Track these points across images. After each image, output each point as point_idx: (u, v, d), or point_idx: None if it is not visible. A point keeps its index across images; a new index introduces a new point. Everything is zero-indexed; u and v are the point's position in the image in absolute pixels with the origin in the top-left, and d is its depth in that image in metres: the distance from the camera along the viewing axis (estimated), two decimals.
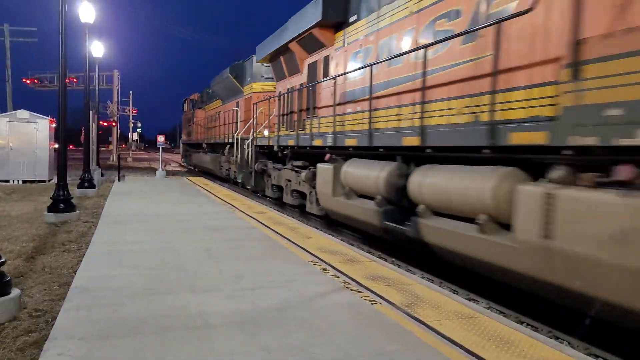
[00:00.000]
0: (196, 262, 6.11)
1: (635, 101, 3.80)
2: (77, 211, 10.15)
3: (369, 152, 8.41)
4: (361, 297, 4.78)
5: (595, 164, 4.32)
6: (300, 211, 12.49)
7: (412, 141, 6.87)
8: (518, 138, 5.03)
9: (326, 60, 10.54)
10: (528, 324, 5.25)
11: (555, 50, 4.69)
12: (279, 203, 13.92)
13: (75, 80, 38.10)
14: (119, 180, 19.13)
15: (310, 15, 10.17)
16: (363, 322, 4.10)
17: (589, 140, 4.19)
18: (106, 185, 17.39)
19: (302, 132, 11.57)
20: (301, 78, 12.12)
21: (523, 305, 5.66)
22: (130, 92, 57.60)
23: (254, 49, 15.78)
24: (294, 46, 11.72)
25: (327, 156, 10.01)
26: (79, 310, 4.24)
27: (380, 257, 7.87)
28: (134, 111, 59.57)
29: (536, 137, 4.77)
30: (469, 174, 5.73)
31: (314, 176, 10.72)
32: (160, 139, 25.42)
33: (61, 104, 9.85)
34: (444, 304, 4.62)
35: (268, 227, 8.78)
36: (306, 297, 4.74)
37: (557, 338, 4.90)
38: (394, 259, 8.05)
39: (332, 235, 9.01)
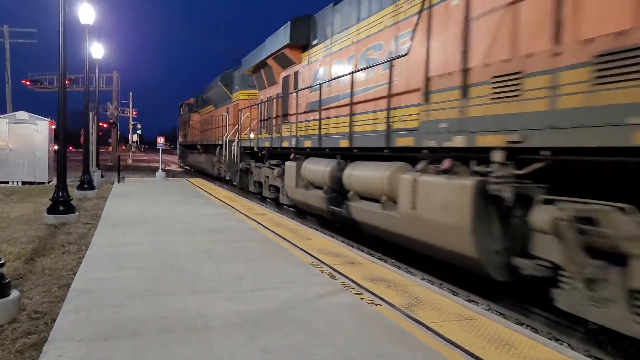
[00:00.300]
0: (196, 263, 6.11)
1: (452, 119, 5.95)
2: (77, 213, 10.14)
3: (320, 152, 10.46)
4: (361, 299, 4.78)
5: (437, 159, 6.39)
6: (275, 203, 14.34)
7: (345, 143, 8.97)
8: (400, 142, 7.22)
9: (296, 74, 12.40)
10: (528, 326, 5.24)
11: (418, 83, 6.75)
12: (260, 197, 15.86)
13: (75, 81, 38.10)
14: (118, 181, 19.13)
15: (282, 38, 12.20)
16: (363, 324, 4.10)
17: (431, 143, 6.34)
18: (106, 187, 17.39)
19: (276, 135, 13.52)
20: (277, 89, 13.97)
21: (523, 307, 5.66)
22: (130, 93, 57.66)
23: (249, 52, 16.73)
24: (270, 62, 13.71)
25: (292, 155, 12.05)
26: (79, 312, 4.24)
27: (381, 259, 7.87)
28: (134, 112, 59.61)
29: (409, 141, 6.93)
30: (377, 167, 7.76)
31: (284, 172, 12.49)
32: (160, 140, 25.39)
33: (61, 106, 9.85)
34: (444, 306, 4.62)
35: (268, 229, 8.78)
36: (306, 299, 4.74)
37: (557, 340, 4.90)
38: (394, 261, 8.05)
39: (332, 237, 9.02)
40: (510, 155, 5.16)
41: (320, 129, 10.22)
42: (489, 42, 5.41)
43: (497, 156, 5.25)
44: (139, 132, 77.97)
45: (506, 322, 4.34)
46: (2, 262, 4.29)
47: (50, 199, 10.00)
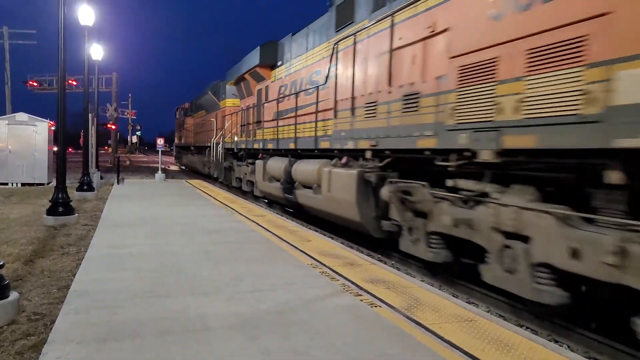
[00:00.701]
0: (196, 264, 6.10)
1: (346, 130, 8.65)
2: (76, 214, 10.13)
3: (279, 152, 13.12)
4: (361, 300, 4.77)
5: (341, 156, 9.03)
6: (251, 195, 16.66)
7: (292, 145, 11.74)
8: (322, 144, 9.93)
9: (266, 88, 14.87)
10: (528, 327, 5.25)
11: (331, 104, 9.49)
12: (241, 191, 17.91)
13: (75, 83, 38.09)
14: (118, 183, 19.12)
15: (254, 58, 14.87)
16: (363, 325, 4.10)
17: (337, 146, 9.08)
18: (105, 188, 17.38)
19: (250, 138, 16.29)
20: (253, 99, 16.38)
21: (522, 308, 5.66)
22: (130, 94, 57.66)
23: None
24: (247, 76, 16.20)
25: (260, 155, 14.74)
26: (78, 313, 4.24)
27: (380, 260, 7.87)
28: (133, 114, 59.59)
29: (327, 144, 9.67)
30: (310, 163, 10.28)
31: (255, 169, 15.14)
32: (160, 141, 25.38)
33: (60, 107, 9.84)
34: (444, 307, 4.61)
35: (267, 230, 8.77)
36: (306, 300, 4.74)
37: (556, 341, 4.90)
38: (393, 262, 8.05)
39: (332, 239, 9.02)
40: (374, 153, 7.92)
41: (278, 134, 13.13)
42: (362, 81, 8.29)
43: (368, 154, 8.06)
44: (138, 133, 77.89)
45: (506, 323, 4.34)
46: (1, 263, 4.28)
47: (49, 201, 9.99)
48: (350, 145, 8.52)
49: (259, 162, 14.27)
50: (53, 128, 18.19)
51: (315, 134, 10.22)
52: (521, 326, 5.16)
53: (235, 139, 18.40)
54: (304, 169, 10.48)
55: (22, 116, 18.36)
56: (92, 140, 19.66)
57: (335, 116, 9.16)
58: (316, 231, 9.81)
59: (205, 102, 25.94)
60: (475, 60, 5.43)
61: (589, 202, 4.52)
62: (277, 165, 12.52)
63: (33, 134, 18.14)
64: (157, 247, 7.09)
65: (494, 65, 5.15)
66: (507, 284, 5.22)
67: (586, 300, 4.87)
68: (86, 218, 10.34)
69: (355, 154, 8.51)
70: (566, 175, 4.78)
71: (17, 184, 17.89)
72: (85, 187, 14.83)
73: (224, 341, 3.69)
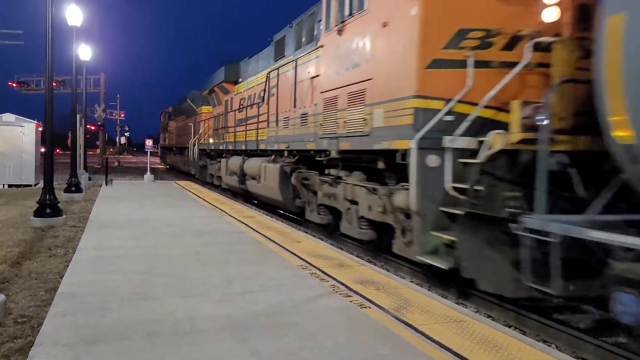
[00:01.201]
0: (185, 266, 6.07)
1: (273, 135, 12.22)
2: (64, 216, 10.05)
3: (236, 152, 16.34)
4: (351, 301, 4.78)
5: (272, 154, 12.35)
6: (219, 187, 19.33)
7: (244, 147, 15.06)
8: (262, 146, 13.15)
9: (231, 100, 17.79)
10: (516, 328, 5.28)
11: (266, 117, 12.63)
12: (215, 186, 20.30)
13: (62, 83, 37.74)
14: (106, 184, 18.97)
15: (220, 75, 18.21)
16: (353, 326, 4.10)
17: (269, 147, 12.38)
18: (93, 190, 17.25)
19: (219, 141, 19.46)
20: (222, 108, 19.34)
21: (511, 309, 5.69)
22: (118, 95, 57.27)
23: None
24: (217, 89, 19.36)
25: (224, 154, 18.09)
26: (66, 316, 4.20)
27: (370, 261, 7.87)
28: (122, 115, 59.19)
29: (263, 146, 12.96)
30: (255, 160, 13.26)
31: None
32: (149, 142, 25.29)
33: (48, 108, 9.76)
34: (433, 308, 4.63)
35: (257, 232, 8.76)
36: (296, 302, 4.74)
37: (544, 341, 4.93)
38: (383, 263, 8.07)
39: (322, 240, 9.02)
40: (289, 152, 11.05)
41: (236, 138, 16.34)
42: (283, 102, 11.48)
43: (285, 153, 11.24)
44: (127, 134, 77.39)
45: (495, 324, 4.37)
46: None
47: (37, 202, 9.90)
48: (276, 147, 11.87)
49: (223, 160, 17.84)
50: (41, 129, 18.03)
51: (257, 138, 13.61)
52: (510, 326, 5.19)
53: (211, 140, 21.48)
54: (251, 164, 13.75)
55: (9, 117, 18.17)
56: (80, 141, 19.50)
57: (268, 126, 12.59)
58: (305, 232, 9.81)
59: (185, 108, 29.48)
60: (329, 96, 8.67)
61: (384, 178, 7.46)
62: (234, 162, 15.77)
63: (20, 135, 17.96)
64: (146, 249, 7.05)
65: (336, 100, 8.39)
66: (349, 231, 8.43)
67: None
68: (74, 220, 10.26)
69: (281, 153, 11.62)
70: (372, 164, 7.66)
71: (3, 185, 17.70)
72: (73, 189, 14.73)
73: (214, 343, 3.68)
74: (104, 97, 46.46)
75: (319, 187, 9.59)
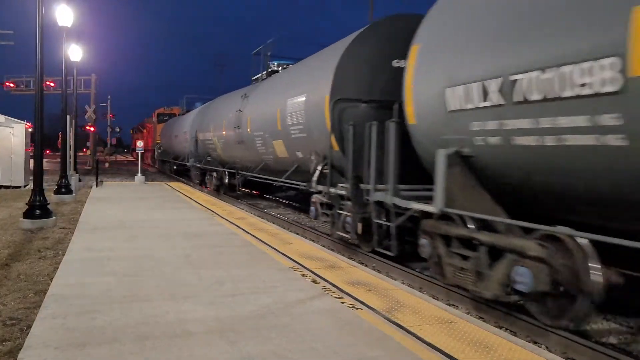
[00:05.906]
0: (176, 268, 6.05)
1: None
2: (54, 217, 9.98)
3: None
4: (342, 303, 4.78)
5: None
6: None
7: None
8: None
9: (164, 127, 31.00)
10: (507, 329, 5.31)
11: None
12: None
13: (53, 84, 37.46)
14: (97, 185, 18.85)
15: (154, 119, 40.28)
16: (344, 328, 4.10)
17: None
18: (84, 191, 17.13)
19: (162, 143, 32.44)
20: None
21: (502, 310, 5.72)
22: (109, 96, 56.90)
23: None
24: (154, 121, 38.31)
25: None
26: (55, 318, 4.17)
27: (361, 263, 7.89)
28: (111, 116, 58.80)
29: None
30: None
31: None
32: (139, 143, 25.22)
33: (38, 108, 9.69)
34: (424, 309, 4.65)
35: (249, 233, 8.74)
36: (287, 303, 4.73)
37: (535, 342, 4.96)
38: (374, 265, 8.07)
39: (313, 241, 9.02)
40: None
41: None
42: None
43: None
44: (117, 135, 76.85)
45: (485, 325, 4.39)
46: None
47: (26, 204, 9.82)
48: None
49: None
50: (30, 130, 17.87)
51: None
52: (501, 328, 5.22)
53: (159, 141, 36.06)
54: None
55: None
56: (71, 142, 19.37)
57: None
58: (297, 234, 9.80)
59: (150, 121, 45.09)
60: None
61: None
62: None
63: (10, 136, 17.79)
64: (136, 251, 7.01)
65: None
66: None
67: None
68: (64, 221, 10.18)
69: None
70: None
71: None
72: (63, 190, 14.62)
73: (205, 346, 3.67)
74: (95, 98, 46.16)
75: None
